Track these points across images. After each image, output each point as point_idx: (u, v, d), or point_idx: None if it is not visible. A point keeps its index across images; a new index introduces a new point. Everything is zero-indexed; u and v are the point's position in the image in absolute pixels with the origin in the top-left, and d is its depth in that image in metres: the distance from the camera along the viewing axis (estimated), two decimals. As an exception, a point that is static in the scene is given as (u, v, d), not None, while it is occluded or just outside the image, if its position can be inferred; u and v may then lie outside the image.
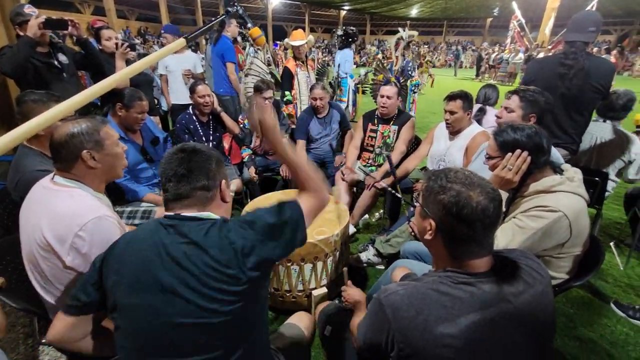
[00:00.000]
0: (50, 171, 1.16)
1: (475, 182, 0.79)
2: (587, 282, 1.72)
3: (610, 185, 2.35)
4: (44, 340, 1.65)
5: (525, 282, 0.79)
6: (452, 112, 2.15)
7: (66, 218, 1.01)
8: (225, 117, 2.73)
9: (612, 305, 1.94)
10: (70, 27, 2.12)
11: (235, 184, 2.55)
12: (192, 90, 2.54)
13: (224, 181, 0.94)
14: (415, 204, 2.00)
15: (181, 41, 1.08)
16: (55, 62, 2.22)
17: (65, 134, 1.08)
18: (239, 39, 4.67)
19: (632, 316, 1.86)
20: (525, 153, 1.20)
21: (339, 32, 4.91)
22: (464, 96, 2.12)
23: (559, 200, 1.18)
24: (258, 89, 2.77)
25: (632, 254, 2.34)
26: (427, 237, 0.85)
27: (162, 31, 4.02)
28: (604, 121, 2.39)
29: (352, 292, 1.26)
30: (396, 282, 0.87)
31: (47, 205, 1.06)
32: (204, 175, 0.88)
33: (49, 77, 2.20)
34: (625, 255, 2.37)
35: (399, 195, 2.29)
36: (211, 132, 2.70)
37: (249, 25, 1.36)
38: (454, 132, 2.24)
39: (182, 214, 0.86)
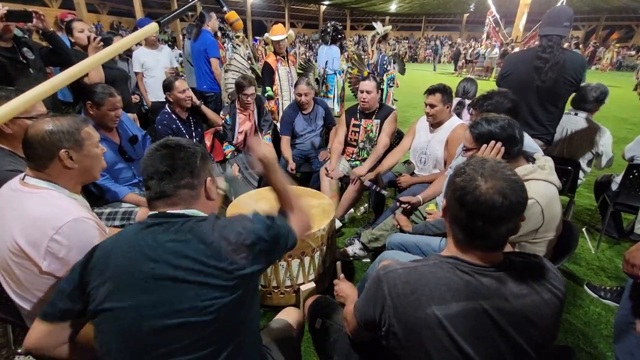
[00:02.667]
0: (21, 171, 1.10)
1: (497, 175, 0.77)
2: (562, 266, 1.80)
3: (581, 174, 2.47)
4: (19, 351, 1.58)
5: (531, 288, 0.78)
6: (432, 105, 2.19)
7: (40, 221, 0.96)
8: (206, 109, 2.68)
9: (585, 287, 2.05)
10: (35, 20, 2.01)
11: (220, 181, 2.52)
12: (170, 87, 2.41)
13: (209, 178, 0.91)
14: (399, 197, 2.05)
15: (154, 25, 1.03)
16: (20, 57, 2.10)
17: (44, 130, 1.02)
18: (218, 34, 4.57)
19: (603, 297, 1.97)
20: (499, 144, 1.25)
21: (329, 28, 4.89)
22: (443, 90, 2.16)
23: (531, 188, 1.22)
24: (240, 86, 2.72)
25: (602, 238, 2.47)
26: (442, 215, 0.88)
27: (142, 24, 3.85)
28: (576, 114, 2.50)
29: (344, 286, 1.27)
30: (396, 261, 0.88)
31: (17, 208, 1.00)
32: (188, 172, 0.85)
33: (13, 73, 2.08)
34: (596, 240, 2.51)
35: (384, 192, 2.34)
36: (193, 128, 2.63)
37: (225, 9, 1.32)
38: (434, 124, 2.28)
39: (168, 212, 0.83)
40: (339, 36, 5.06)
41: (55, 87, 0.75)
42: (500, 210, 0.74)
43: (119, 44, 0.95)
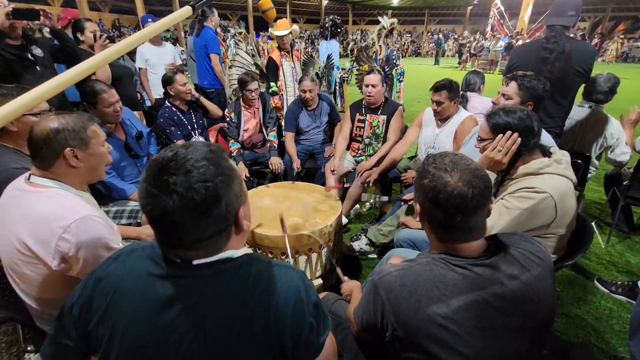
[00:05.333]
0: (27, 169, 1.09)
1: (459, 167, 0.79)
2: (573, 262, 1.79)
3: (591, 168, 2.43)
4: (29, 348, 1.59)
5: (521, 266, 0.79)
6: (438, 103, 2.16)
7: (47, 221, 0.96)
8: (205, 101, 2.73)
9: (596, 282, 2.02)
10: (42, 18, 2.01)
11: None
12: (171, 81, 2.47)
13: (241, 209, 0.66)
14: (403, 196, 2.03)
15: (187, 9, 1.00)
16: (29, 55, 2.10)
17: (49, 128, 1.02)
18: (219, 30, 4.53)
19: (614, 292, 1.94)
20: (515, 135, 1.22)
21: (327, 23, 4.85)
22: (449, 86, 2.12)
23: (546, 182, 1.21)
24: (243, 82, 2.71)
25: (612, 232, 2.44)
26: (418, 219, 0.88)
27: (145, 21, 3.83)
28: (590, 107, 2.44)
29: (348, 285, 1.27)
30: (390, 264, 0.87)
31: (24, 208, 0.99)
32: (213, 222, 0.62)
33: (20, 71, 2.08)
34: (606, 234, 2.47)
35: (385, 199, 2.34)
36: (194, 120, 2.66)
37: None
38: (442, 119, 2.26)
39: (194, 263, 0.64)
40: (338, 30, 5.00)
41: (64, 85, 0.73)
42: (473, 201, 0.76)
43: (146, 31, 0.92)
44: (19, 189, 1.03)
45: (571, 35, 2.15)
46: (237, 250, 0.69)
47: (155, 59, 3.51)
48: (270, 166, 2.75)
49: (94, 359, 0.76)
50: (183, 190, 0.57)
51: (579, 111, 2.44)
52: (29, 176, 1.05)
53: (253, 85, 2.71)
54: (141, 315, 0.63)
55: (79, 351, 0.70)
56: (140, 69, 3.53)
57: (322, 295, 1.34)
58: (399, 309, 0.77)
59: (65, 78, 0.72)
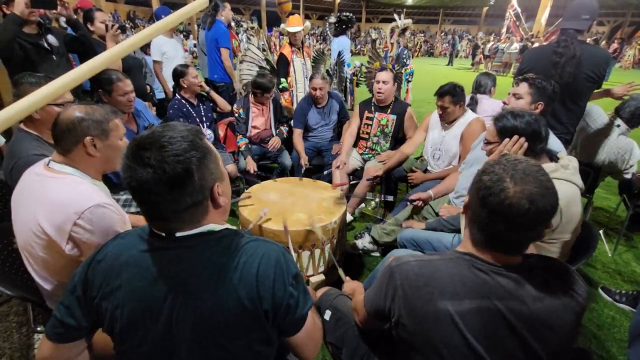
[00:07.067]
0: (46, 156, 1.13)
1: (528, 179, 0.71)
2: (577, 269, 1.78)
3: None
4: (39, 329, 1.64)
5: (551, 292, 0.75)
6: (443, 108, 2.16)
7: (63, 206, 0.99)
8: (214, 95, 2.79)
9: (600, 290, 2.01)
10: (59, 7, 2.06)
11: (230, 168, 2.57)
12: (185, 73, 2.53)
13: (216, 185, 0.71)
14: (409, 196, 2.03)
15: (204, 0, 1.03)
16: (45, 44, 2.15)
17: (74, 116, 1.07)
18: (232, 24, 4.54)
19: (618, 300, 1.93)
20: (522, 139, 1.22)
21: (332, 19, 4.81)
22: (452, 91, 2.11)
23: None
24: (266, 89, 2.70)
25: (619, 241, 2.41)
26: (463, 210, 0.84)
27: (166, 12, 3.84)
28: (618, 126, 2.30)
29: (350, 285, 1.30)
30: (411, 254, 0.87)
31: (41, 193, 1.03)
32: (187, 194, 0.66)
33: (37, 59, 2.13)
34: (613, 243, 2.44)
35: (389, 198, 2.36)
36: (203, 114, 2.70)
37: None
38: (448, 122, 2.25)
39: (178, 235, 0.70)
40: (344, 26, 4.93)
41: (84, 76, 0.76)
42: (525, 218, 0.69)
43: (160, 24, 0.94)
44: (38, 174, 1.07)
45: (588, 39, 2.11)
46: (218, 225, 0.74)
47: (172, 51, 3.52)
48: (269, 144, 2.83)
49: (98, 343, 0.82)
50: (156, 163, 0.62)
51: (607, 122, 2.32)
52: (49, 162, 1.09)
53: (273, 91, 2.78)
54: (136, 286, 0.69)
55: (82, 330, 0.75)
56: (155, 62, 3.53)
57: (324, 290, 1.36)
58: (410, 297, 0.77)
59: (84, 70, 0.76)
